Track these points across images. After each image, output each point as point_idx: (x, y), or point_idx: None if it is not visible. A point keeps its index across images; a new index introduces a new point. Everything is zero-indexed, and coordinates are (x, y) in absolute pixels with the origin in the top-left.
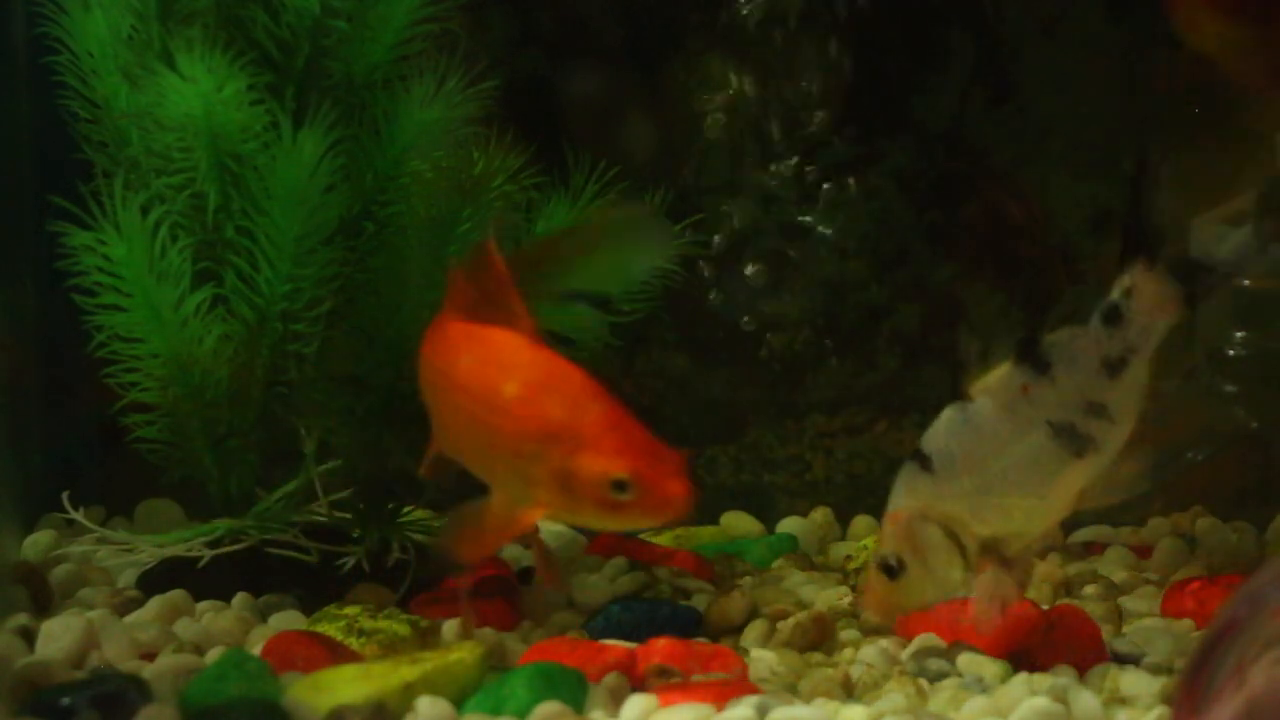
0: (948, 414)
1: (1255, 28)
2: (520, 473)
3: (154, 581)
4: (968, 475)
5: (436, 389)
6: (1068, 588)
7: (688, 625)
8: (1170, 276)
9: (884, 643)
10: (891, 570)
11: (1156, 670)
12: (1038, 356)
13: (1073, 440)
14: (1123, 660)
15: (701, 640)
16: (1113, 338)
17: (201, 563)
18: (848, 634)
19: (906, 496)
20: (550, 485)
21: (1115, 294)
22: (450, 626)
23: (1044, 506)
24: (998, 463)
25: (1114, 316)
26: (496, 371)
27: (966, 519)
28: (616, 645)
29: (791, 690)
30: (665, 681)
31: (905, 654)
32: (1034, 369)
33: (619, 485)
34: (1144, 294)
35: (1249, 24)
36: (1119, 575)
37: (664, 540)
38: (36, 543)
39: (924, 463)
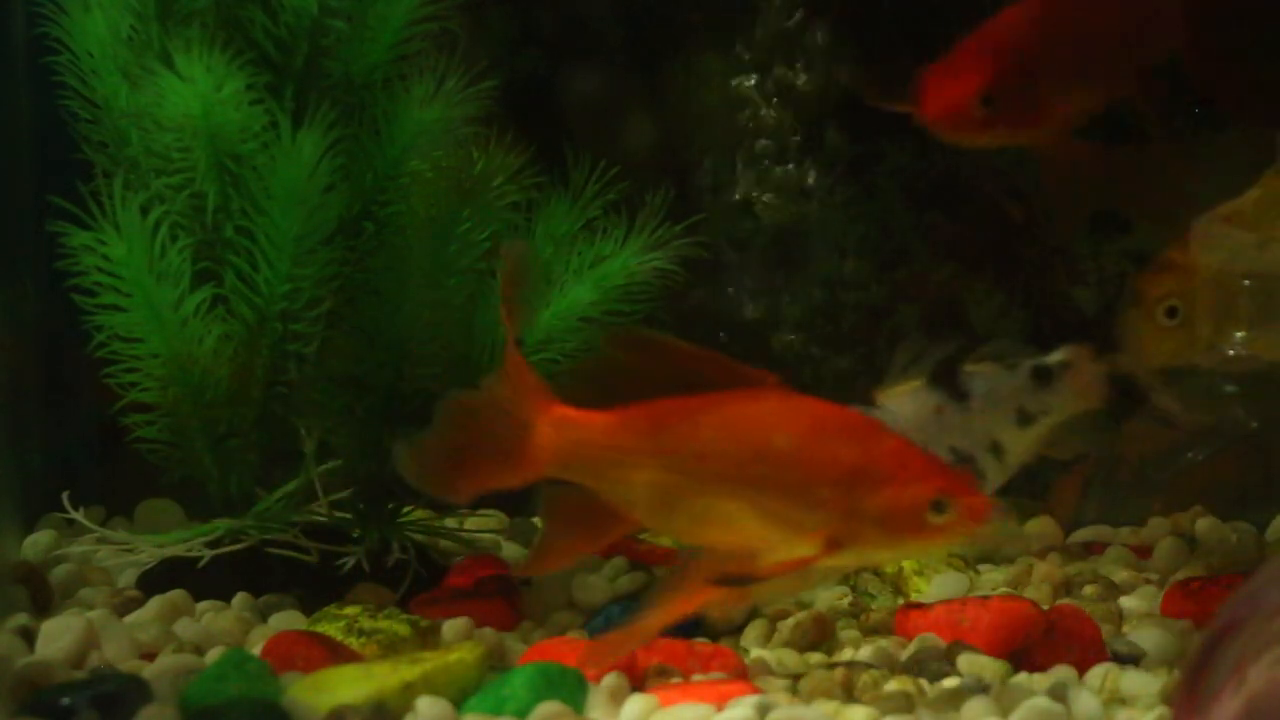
0: None
1: (994, 131)
2: (795, 524)
3: (154, 581)
4: None
5: (654, 471)
6: (1068, 588)
7: (688, 625)
8: (1108, 378)
9: (884, 643)
10: None
11: (1156, 670)
12: (956, 383)
13: (969, 471)
14: (1123, 660)
15: (701, 640)
16: (1034, 394)
17: (201, 563)
18: (848, 634)
19: None
20: (850, 525)
21: (1054, 359)
22: (451, 626)
23: None
24: None
25: (1044, 377)
26: (754, 430)
27: None
28: None
29: (791, 690)
30: (665, 681)
31: (905, 654)
32: (951, 394)
33: (938, 506)
34: (1079, 376)
35: (982, 131)
36: (1119, 575)
37: (664, 540)
38: (36, 543)
39: None
